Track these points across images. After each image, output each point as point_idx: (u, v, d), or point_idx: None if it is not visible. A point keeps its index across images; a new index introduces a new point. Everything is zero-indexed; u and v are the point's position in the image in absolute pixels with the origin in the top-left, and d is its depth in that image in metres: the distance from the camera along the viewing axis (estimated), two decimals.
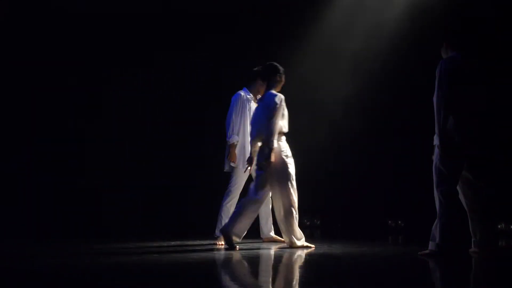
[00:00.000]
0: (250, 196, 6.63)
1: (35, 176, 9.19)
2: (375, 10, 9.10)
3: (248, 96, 7.37)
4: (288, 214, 6.60)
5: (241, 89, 7.43)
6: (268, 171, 6.56)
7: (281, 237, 7.02)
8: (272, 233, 7.54)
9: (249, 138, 7.07)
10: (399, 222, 9.23)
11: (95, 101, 9.46)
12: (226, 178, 7.39)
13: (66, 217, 9.10)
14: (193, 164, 9.58)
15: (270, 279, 4.92)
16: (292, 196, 6.60)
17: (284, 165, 6.61)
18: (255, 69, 7.36)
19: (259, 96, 7.17)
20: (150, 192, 9.52)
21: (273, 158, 6.49)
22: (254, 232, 7.52)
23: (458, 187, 5.84)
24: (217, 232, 7.17)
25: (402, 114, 9.02)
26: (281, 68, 6.76)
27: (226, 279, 5.01)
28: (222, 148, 7.48)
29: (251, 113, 7.19)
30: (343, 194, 9.22)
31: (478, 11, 8.24)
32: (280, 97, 6.59)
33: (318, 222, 9.73)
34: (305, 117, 8.86)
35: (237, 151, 7.28)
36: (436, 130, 5.78)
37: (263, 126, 6.60)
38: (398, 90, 8.97)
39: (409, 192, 8.72)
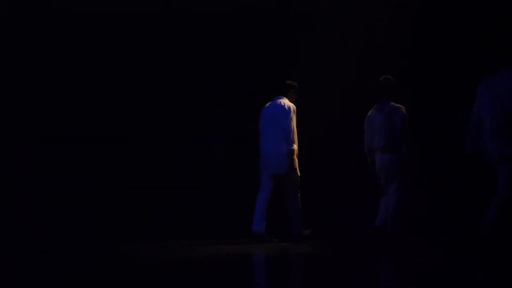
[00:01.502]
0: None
1: (35, 176, 9.18)
2: None
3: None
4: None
5: (272, 99, 8.03)
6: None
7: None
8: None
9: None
10: None
11: (95, 101, 9.43)
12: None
13: (66, 217, 9.09)
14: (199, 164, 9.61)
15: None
16: None
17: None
18: (288, 82, 8.07)
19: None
20: (150, 192, 9.52)
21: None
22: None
23: None
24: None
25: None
26: (393, 80, 7.57)
27: None
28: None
29: None
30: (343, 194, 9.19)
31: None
32: (405, 108, 7.43)
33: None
34: (303, 116, 8.83)
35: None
36: None
37: (390, 135, 7.35)
38: (398, 90, 8.95)
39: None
